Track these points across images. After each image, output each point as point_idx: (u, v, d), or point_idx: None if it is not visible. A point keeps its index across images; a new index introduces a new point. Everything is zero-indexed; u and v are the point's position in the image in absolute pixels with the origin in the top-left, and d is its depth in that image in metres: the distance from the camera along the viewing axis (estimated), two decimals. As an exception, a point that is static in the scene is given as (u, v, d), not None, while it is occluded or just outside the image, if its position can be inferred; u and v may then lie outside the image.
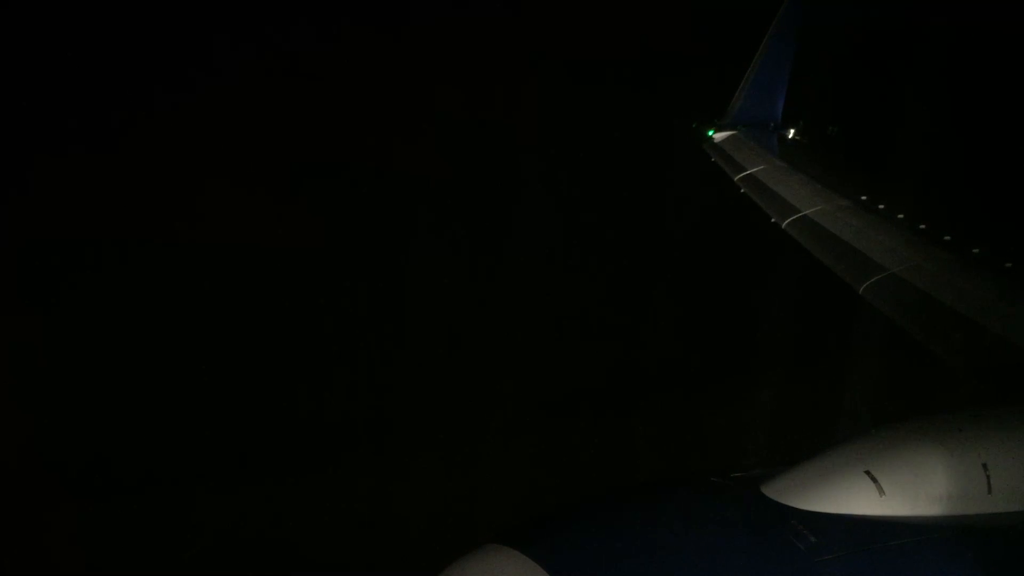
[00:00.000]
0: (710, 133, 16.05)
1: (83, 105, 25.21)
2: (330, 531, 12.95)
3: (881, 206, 12.05)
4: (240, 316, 18.28)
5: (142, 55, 27.60)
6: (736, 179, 14.52)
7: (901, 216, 11.68)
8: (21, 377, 15.80)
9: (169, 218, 21.53)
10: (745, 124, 16.01)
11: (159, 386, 16.14)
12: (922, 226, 11.25)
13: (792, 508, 4.59)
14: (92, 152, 23.54)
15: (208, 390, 16.04)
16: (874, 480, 4.70)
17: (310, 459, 14.48)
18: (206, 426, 15.26)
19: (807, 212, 12.44)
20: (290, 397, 16.29)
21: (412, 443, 14.45)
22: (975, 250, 10.39)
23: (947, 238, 10.77)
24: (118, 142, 24.51)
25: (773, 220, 12.93)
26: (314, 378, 16.73)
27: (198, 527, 13.26)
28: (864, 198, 12.39)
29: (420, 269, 19.26)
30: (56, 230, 20.05)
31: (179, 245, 20.30)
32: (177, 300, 18.67)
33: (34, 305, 18.15)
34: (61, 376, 16.15)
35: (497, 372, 16.20)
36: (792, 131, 16.28)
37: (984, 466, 4.89)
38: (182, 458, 14.56)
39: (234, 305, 18.53)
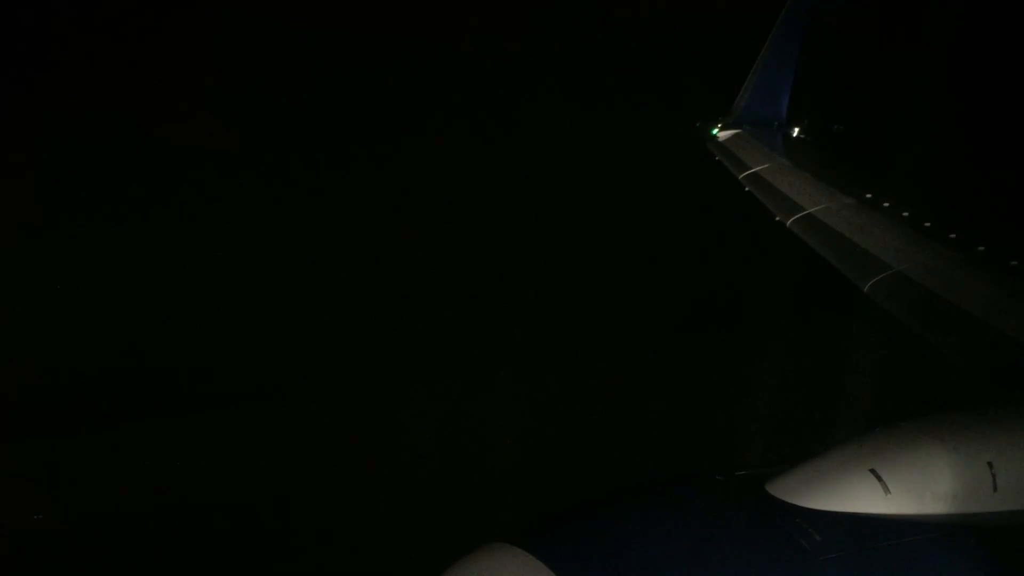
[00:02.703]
0: (714, 131, 15.99)
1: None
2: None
3: (886, 204, 12.02)
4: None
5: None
6: (740, 177, 14.48)
7: (906, 214, 11.64)
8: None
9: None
10: (749, 122, 15.96)
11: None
12: (927, 224, 11.22)
13: (797, 506, 4.59)
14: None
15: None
16: (879, 478, 4.70)
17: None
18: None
19: (812, 210, 12.41)
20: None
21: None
22: (980, 248, 10.37)
23: (952, 236, 10.75)
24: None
25: (778, 218, 12.91)
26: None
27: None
28: (869, 196, 12.36)
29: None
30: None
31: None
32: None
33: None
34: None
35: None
36: (797, 129, 16.22)
37: (990, 464, 4.88)
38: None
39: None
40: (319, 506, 14.10)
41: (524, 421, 15.03)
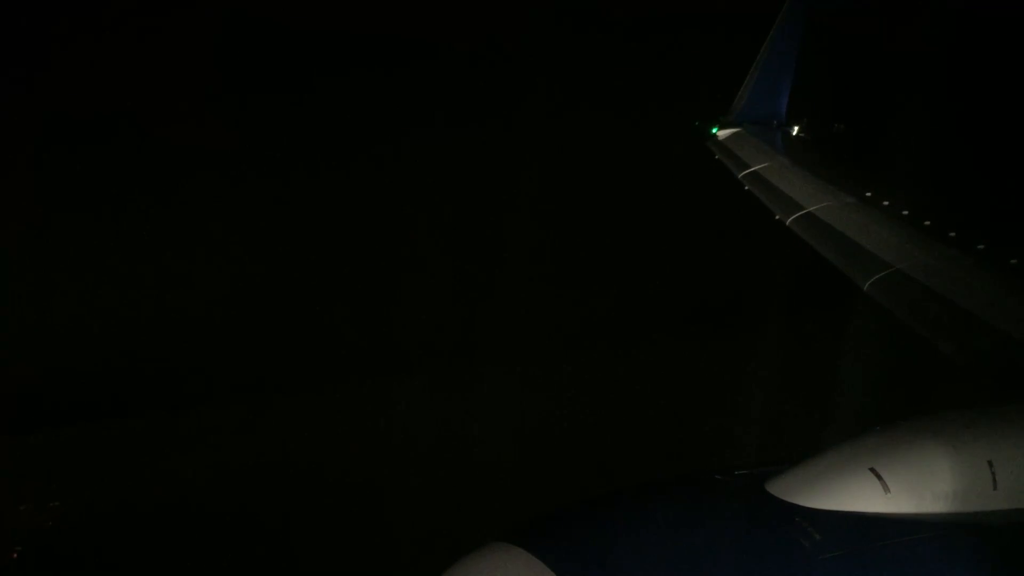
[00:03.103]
0: (714, 130, 16.00)
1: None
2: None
3: (886, 203, 12.02)
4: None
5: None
6: (740, 176, 14.49)
7: (906, 213, 11.64)
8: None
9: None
10: (749, 121, 15.96)
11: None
12: (927, 223, 11.23)
13: (797, 505, 4.60)
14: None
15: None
16: (879, 477, 4.70)
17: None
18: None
19: (812, 209, 12.41)
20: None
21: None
22: (980, 246, 10.37)
23: (952, 234, 10.75)
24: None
25: (778, 217, 12.91)
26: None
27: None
28: (869, 195, 12.36)
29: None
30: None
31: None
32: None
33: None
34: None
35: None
36: (796, 128, 16.23)
37: (990, 463, 4.88)
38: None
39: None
40: (317, 499, 14.43)
41: (527, 409, 15.99)
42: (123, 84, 27.53)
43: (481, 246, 21.19)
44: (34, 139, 24.23)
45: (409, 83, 29.56)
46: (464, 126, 26.45)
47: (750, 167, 14.48)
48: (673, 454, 14.25)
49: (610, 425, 15.84)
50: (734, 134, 15.83)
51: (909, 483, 4.72)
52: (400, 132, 26.13)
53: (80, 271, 20.31)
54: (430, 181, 23.73)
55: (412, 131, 26.00)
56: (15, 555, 14.00)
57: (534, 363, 17.46)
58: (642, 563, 4.20)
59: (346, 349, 18.36)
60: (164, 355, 18.12)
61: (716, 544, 4.36)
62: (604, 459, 14.47)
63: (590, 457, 14.70)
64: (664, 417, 15.75)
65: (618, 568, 4.18)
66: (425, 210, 22.52)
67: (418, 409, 16.15)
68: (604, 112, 27.88)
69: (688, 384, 16.35)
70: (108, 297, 19.65)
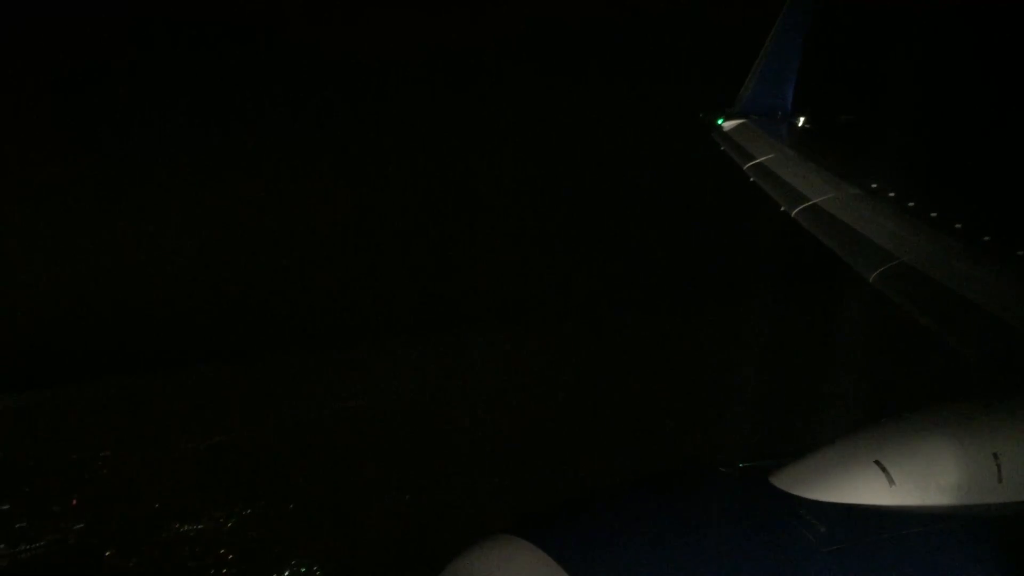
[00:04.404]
0: (719, 121, 15.96)
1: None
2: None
3: (891, 194, 11.98)
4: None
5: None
6: (746, 168, 14.46)
7: (912, 204, 11.61)
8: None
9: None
10: (755, 112, 15.92)
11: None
12: (933, 214, 11.20)
13: (801, 498, 4.60)
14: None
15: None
16: (884, 470, 4.69)
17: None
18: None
19: (817, 200, 12.38)
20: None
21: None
22: (985, 238, 10.34)
23: (958, 226, 10.72)
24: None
25: (783, 208, 12.89)
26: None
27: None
28: (874, 186, 12.33)
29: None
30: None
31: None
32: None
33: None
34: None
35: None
36: (802, 119, 16.18)
37: (995, 455, 4.87)
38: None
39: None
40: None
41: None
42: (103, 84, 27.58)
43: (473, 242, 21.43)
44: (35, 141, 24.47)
45: (418, 75, 29.57)
46: (468, 120, 26.50)
47: (755, 158, 14.45)
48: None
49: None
50: (739, 125, 15.79)
51: (914, 475, 4.71)
52: (413, 127, 26.20)
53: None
54: (458, 169, 23.89)
55: (430, 123, 26.09)
56: (75, 503, 14.61)
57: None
58: (646, 555, 4.20)
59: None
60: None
61: (721, 537, 4.35)
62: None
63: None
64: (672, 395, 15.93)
65: (623, 560, 4.18)
66: (457, 193, 22.77)
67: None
68: (608, 105, 27.84)
69: (680, 380, 16.40)
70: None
